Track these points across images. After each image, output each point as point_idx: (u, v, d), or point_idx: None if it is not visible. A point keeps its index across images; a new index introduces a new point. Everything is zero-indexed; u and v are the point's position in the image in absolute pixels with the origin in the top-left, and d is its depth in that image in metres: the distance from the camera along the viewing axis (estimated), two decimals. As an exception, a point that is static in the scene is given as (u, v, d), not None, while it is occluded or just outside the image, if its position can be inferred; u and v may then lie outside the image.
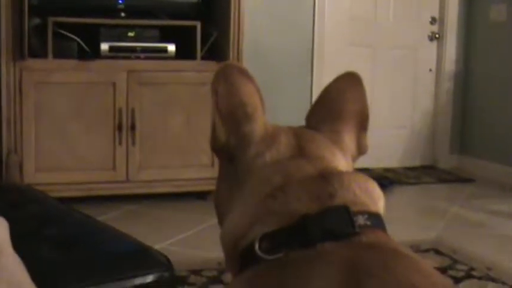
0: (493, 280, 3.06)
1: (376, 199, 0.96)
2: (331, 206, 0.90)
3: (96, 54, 3.94)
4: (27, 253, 1.47)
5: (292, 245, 0.88)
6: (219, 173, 1.06)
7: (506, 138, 5.10)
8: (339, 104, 1.06)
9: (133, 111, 3.99)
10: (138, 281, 1.69)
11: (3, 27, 3.72)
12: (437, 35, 5.49)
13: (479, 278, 3.08)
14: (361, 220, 0.90)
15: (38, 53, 3.85)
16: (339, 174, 0.96)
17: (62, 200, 2.47)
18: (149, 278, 1.71)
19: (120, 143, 3.98)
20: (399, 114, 5.48)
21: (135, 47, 4.03)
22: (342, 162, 1.01)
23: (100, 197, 4.00)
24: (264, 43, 4.86)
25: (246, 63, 4.04)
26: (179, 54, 4.09)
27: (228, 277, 2.91)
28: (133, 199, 4.12)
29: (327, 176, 0.94)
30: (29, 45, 3.74)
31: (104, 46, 3.96)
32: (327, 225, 0.88)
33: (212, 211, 1.08)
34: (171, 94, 4.07)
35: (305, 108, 1.20)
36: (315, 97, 1.15)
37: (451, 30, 5.48)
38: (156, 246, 2.27)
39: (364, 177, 0.97)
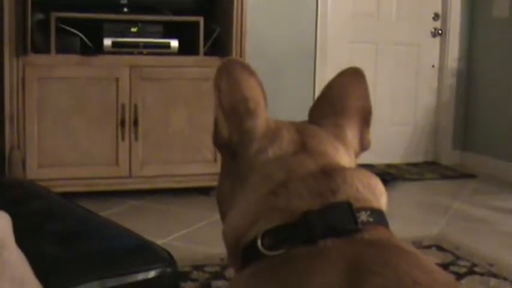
0: (495, 276, 3.05)
1: (379, 195, 0.96)
2: (333, 202, 0.90)
3: (99, 49, 3.94)
4: (30, 248, 1.47)
5: (294, 242, 0.88)
6: (221, 169, 1.06)
7: (508, 134, 5.09)
8: (342, 100, 1.06)
9: (136, 106, 3.99)
10: (141, 276, 1.69)
11: (6, 23, 3.72)
12: (440, 31, 5.48)
13: (482, 274, 3.08)
14: (363, 216, 0.90)
15: (41, 48, 3.85)
16: (342, 170, 0.95)
17: (64, 195, 2.48)
18: (152, 274, 1.71)
19: (123, 139, 3.98)
20: (402, 111, 5.47)
21: (138, 42, 4.03)
22: (344, 157, 1.01)
23: (103, 193, 4.01)
24: (267, 39, 4.86)
25: (249, 59, 4.04)
26: (182, 50, 4.09)
27: (230, 273, 2.91)
28: (136, 194, 4.12)
29: (330, 172, 0.94)
30: (32, 40, 3.74)
31: (107, 41, 3.96)
32: (329, 221, 0.88)
33: (215, 207, 1.08)
34: (174, 90, 4.06)
35: (308, 103, 1.20)
36: (317, 93, 1.15)
37: (454, 27, 5.46)
38: (159, 242, 2.27)
39: (366, 173, 0.97)
